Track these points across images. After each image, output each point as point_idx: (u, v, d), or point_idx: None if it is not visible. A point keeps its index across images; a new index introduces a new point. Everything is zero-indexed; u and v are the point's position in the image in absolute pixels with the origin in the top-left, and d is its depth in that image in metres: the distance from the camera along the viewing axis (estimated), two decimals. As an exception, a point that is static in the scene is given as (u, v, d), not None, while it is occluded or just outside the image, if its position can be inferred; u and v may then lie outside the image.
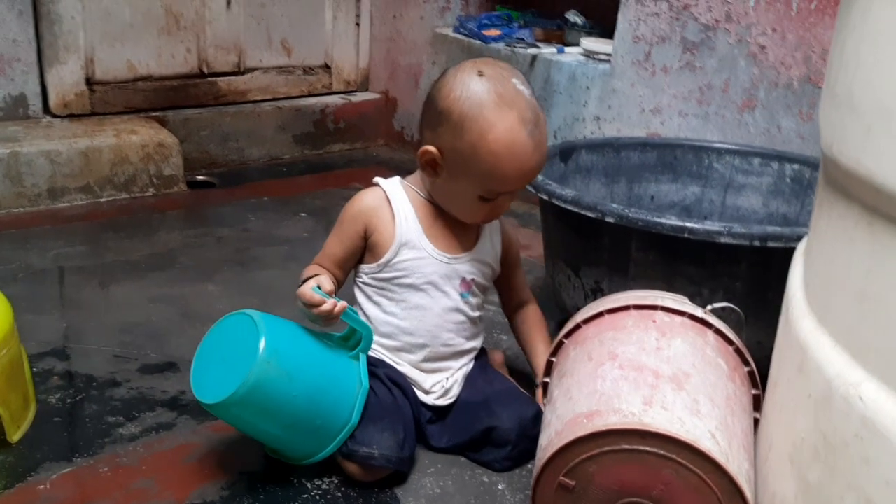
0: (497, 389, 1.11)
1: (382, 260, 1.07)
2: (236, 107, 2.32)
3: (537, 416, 1.06)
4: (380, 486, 1.02)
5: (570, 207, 1.22)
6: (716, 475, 0.82)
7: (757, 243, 1.11)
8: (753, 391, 0.98)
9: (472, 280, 1.11)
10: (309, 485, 1.02)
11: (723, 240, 1.12)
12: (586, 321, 1.03)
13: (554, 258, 1.41)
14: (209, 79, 2.28)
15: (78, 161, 1.89)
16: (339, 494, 1.01)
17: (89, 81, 2.07)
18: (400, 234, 1.07)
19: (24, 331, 1.20)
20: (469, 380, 1.13)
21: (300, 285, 1.02)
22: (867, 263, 0.64)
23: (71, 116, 2.05)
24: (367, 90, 2.65)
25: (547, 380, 1.07)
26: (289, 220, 1.94)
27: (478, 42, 2.23)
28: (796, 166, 1.53)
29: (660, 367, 0.90)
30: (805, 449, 0.71)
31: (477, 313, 1.13)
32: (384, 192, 1.09)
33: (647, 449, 0.83)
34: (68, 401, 1.16)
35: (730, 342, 0.99)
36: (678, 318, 0.99)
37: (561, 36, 2.22)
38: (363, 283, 1.11)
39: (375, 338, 1.08)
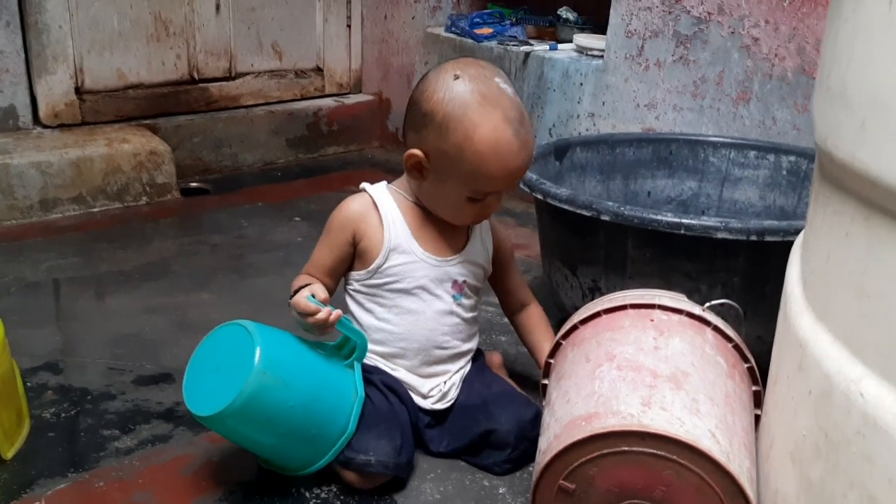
0: (495, 391, 1.11)
1: (372, 266, 1.06)
2: (228, 112, 2.31)
3: (536, 418, 1.05)
4: (379, 493, 1.02)
5: (566, 206, 1.21)
6: (717, 475, 0.81)
7: (754, 238, 1.11)
8: (754, 387, 0.97)
9: (464, 282, 1.10)
10: (308, 494, 1.01)
11: (719, 235, 1.11)
12: (583, 322, 1.02)
13: (551, 257, 1.40)
14: (200, 85, 2.27)
15: (69, 171, 1.88)
16: (339, 503, 1.00)
17: (79, 91, 2.06)
18: (389, 239, 1.06)
19: (17, 345, 1.19)
20: (467, 382, 1.12)
21: (291, 296, 1.01)
22: (865, 259, 0.63)
23: (61, 127, 2.04)
24: (360, 92, 2.64)
25: (546, 382, 1.06)
26: (284, 225, 1.93)
27: (470, 41, 2.22)
28: (792, 158, 1.52)
29: (658, 366, 0.89)
30: (806, 446, 0.70)
31: (471, 314, 1.12)
32: (371, 197, 1.08)
33: (647, 450, 0.82)
34: (63, 415, 1.15)
35: (729, 339, 0.98)
36: (676, 317, 0.98)
37: (553, 32, 2.21)
38: (354, 290, 1.10)
39: (370, 345, 1.06)
